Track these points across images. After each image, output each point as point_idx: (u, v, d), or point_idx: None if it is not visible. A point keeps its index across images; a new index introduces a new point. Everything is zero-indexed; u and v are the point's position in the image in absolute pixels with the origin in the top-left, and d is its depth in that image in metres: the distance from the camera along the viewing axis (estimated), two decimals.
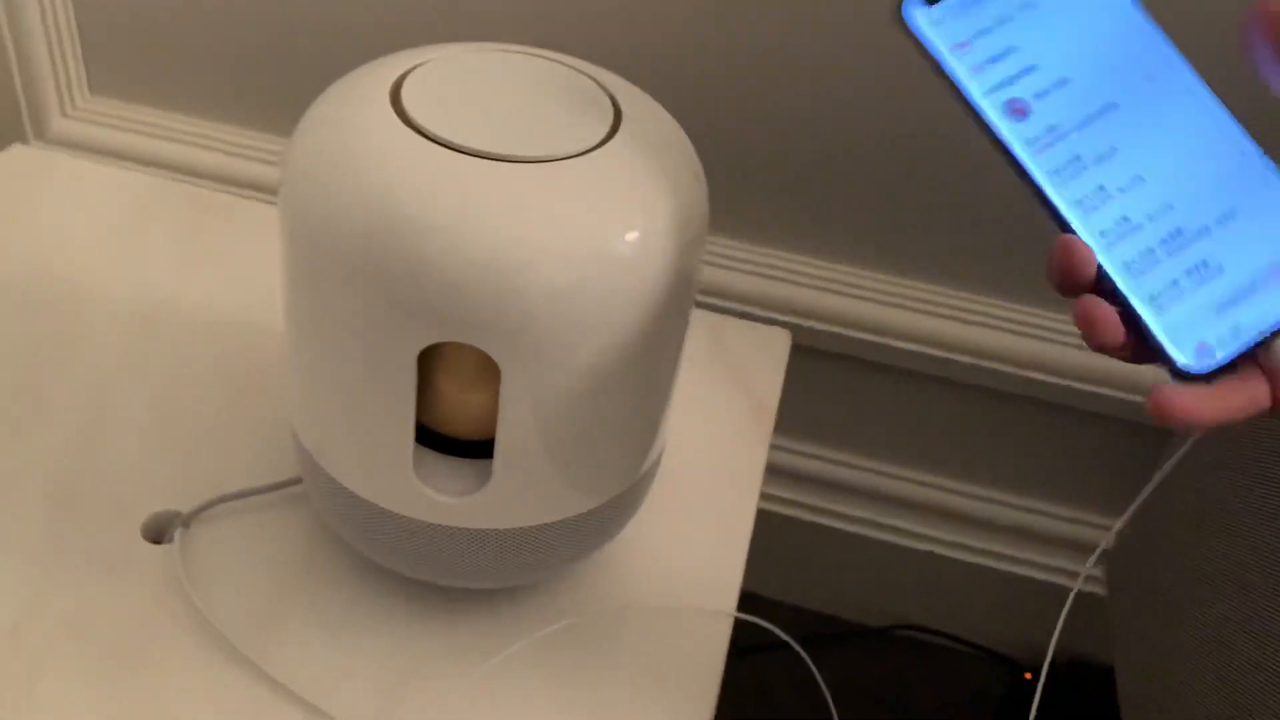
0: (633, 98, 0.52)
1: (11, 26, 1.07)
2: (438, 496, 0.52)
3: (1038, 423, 1.04)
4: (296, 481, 0.63)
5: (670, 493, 0.66)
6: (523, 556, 0.54)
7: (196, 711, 0.52)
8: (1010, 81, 0.37)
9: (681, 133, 0.52)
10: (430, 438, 0.53)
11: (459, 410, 0.52)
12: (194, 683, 0.53)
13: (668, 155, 0.50)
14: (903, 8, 0.37)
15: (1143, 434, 1.01)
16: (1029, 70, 0.37)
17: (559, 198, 0.46)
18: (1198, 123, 0.37)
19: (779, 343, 0.79)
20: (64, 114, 1.15)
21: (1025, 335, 0.99)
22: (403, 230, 0.45)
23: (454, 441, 0.53)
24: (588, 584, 0.61)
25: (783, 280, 1.01)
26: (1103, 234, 0.36)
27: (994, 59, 0.37)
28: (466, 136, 0.46)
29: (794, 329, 1.01)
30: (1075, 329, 0.87)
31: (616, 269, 0.46)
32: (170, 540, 0.59)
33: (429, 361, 0.50)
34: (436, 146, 0.46)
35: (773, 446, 1.13)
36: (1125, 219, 0.36)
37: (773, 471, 1.12)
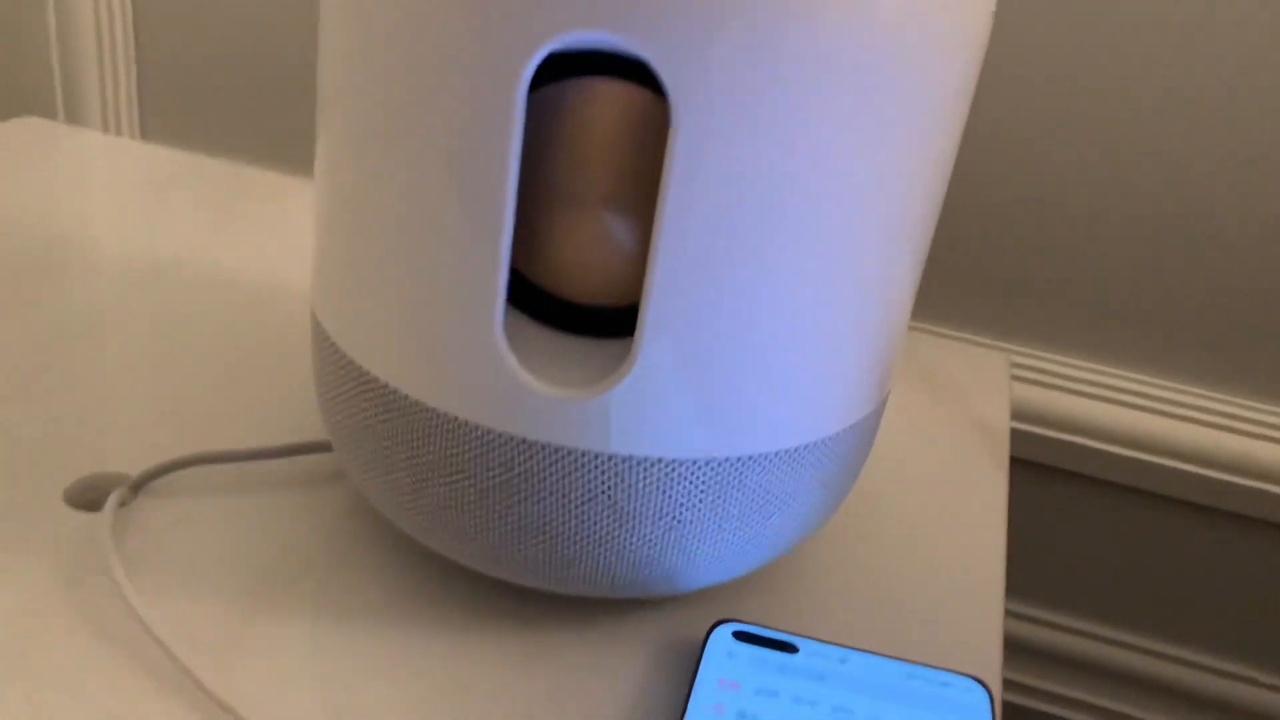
0: None
1: (62, 58, 0.95)
2: (541, 384, 0.30)
3: None
4: (303, 449, 0.41)
5: (887, 521, 0.44)
6: (669, 515, 0.31)
7: None
8: None
9: None
10: (531, 302, 0.32)
11: (587, 245, 0.31)
12: (100, 706, 0.30)
13: None
14: (716, 626, 0.35)
15: None
16: None
17: None
18: None
19: (997, 367, 0.57)
20: None
21: None
22: None
23: (568, 310, 0.32)
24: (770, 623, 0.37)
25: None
26: None
27: (748, 715, 0.31)
28: None
29: (1024, 439, 0.78)
30: None
31: None
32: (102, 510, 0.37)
33: (538, 157, 0.30)
34: None
35: (1018, 616, 0.86)
36: None
37: (1015, 649, 0.85)
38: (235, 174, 0.68)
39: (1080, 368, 0.78)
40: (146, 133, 0.99)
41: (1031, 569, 0.84)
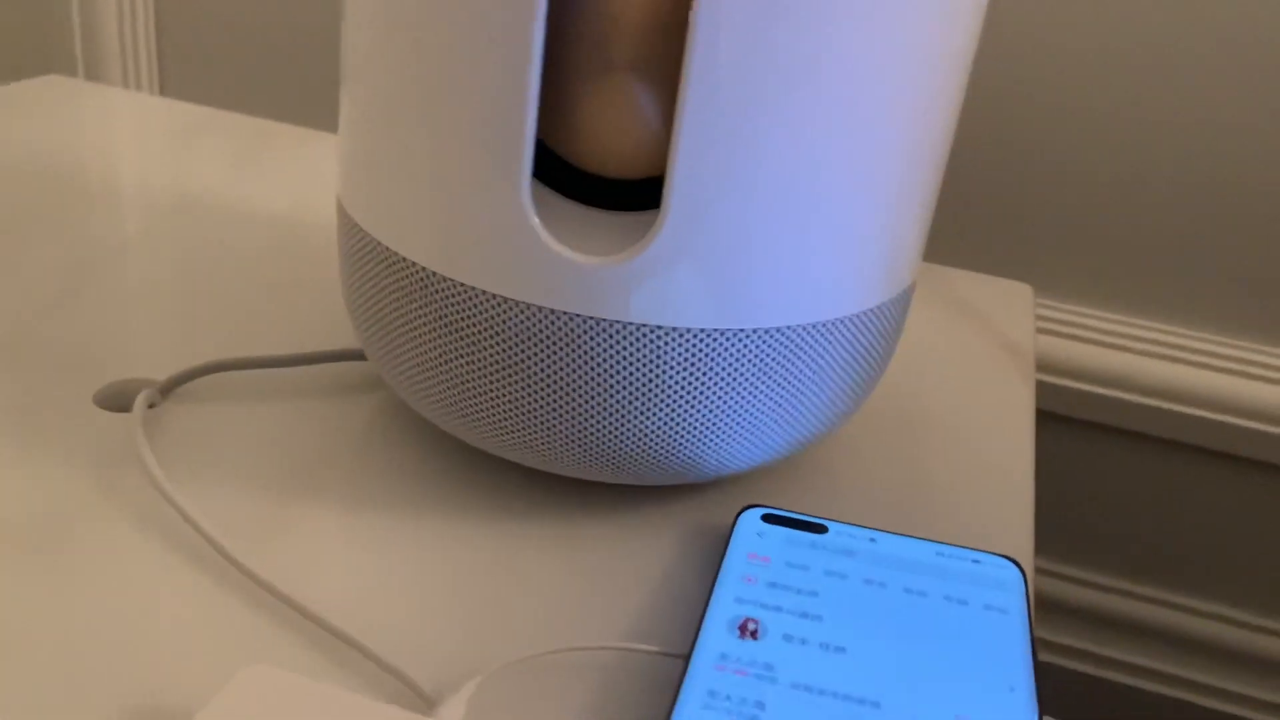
0: None
1: (83, 18, 0.96)
2: (569, 253, 0.30)
3: None
4: (331, 357, 0.41)
5: (916, 420, 0.44)
6: (698, 387, 0.31)
7: (134, 610, 0.29)
8: (774, 608, 0.30)
9: None
10: (557, 176, 0.32)
11: (612, 115, 0.31)
12: (135, 587, 0.31)
13: None
14: (745, 510, 0.35)
15: None
16: (806, 615, 0.30)
17: None
18: None
19: (1021, 294, 0.57)
20: None
21: None
22: None
23: (595, 184, 0.32)
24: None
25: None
26: None
27: (778, 585, 0.31)
28: None
29: (1053, 391, 0.78)
30: None
31: None
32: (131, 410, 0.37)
33: (564, 25, 0.30)
34: None
35: (1039, 571, 0.85)
36: None
37: (1039, 606, 0.84)
38: (256, 125, 0.68)
39: (1102, 318, 0.78)
40: (165, 92, 1.00)
41: (1058, 524, 0.84)
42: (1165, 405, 0.76)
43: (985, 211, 0.77)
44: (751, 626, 0.29)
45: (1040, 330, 0.78)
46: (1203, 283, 0.75)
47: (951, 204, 0.78)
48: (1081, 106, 0.73)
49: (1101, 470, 0.81)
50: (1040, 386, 0.78)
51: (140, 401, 0.37)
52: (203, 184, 0.58)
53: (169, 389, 0.39)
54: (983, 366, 0.49)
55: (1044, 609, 0.86)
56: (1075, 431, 0.80)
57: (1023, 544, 0.37)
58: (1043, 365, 0.78)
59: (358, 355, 0.42)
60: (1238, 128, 0.70)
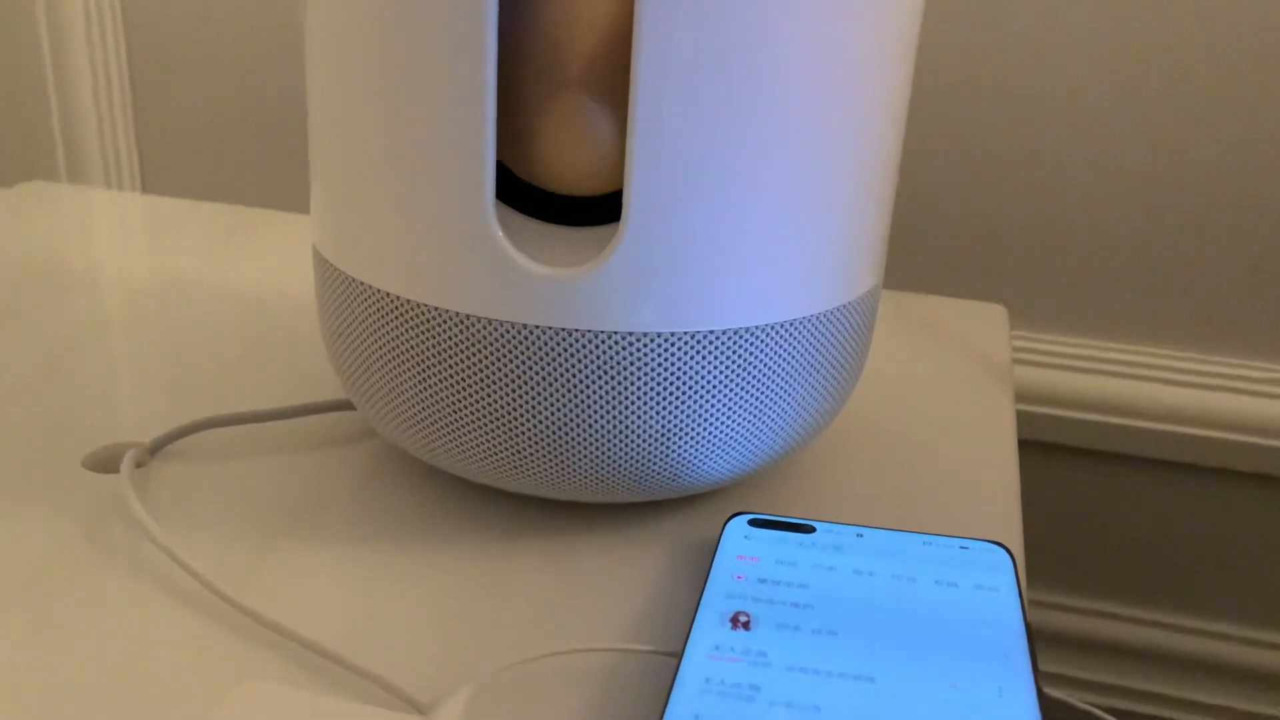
0: None
1: (63, 126, 0.98)
2: (536, 266, 0.31)
3: None
4: (315, 409, 0.42)
5: (896, 428, 0.44)
6: (670, 390, 0.32)
7: (128, 652, 0.29)
8: (765, 601, 0.30)
9: None
10: (519, 197, 0.33)
11: (572, 133, 0.32)
12: (127, 631, 0.31)
13: None
14: (732, 517, 0.35)
15: None
16: (797, 605, 0.30)
17: None
18: None
19: (995, 316, 0.58)
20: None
21: None
22: None
23: (557, 202, 0.33)
24: None
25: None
26: None
27: (768, 580, 0.32)
28: None
29: (1033, 419, 0.78)
30: None
31: None
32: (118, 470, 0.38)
33: (518, 46, 0.31)
34: None
35: (1045, 605, 0.85)
36: None
37: (1047, 640, 0.84)
38: (232, 212, 0.70)
39: (1069, 344, 0.79)
40: (149, 189, 1.02)
41: (1044, 552, 0.83)
42: (1145, 424, 0.77)
43: (959, 240, 0.79)
44: (743, 619, 0.30)
45: (1017, 360, 0.79)
46: (1173, 302, 0.76)
47: (925, 234, 0.79)
48: (1051, 129, 0.75)
49: (1084, 495, 0.81)
50: (1020, 415, 0.79)
51: (128, 460, 0.37)
52: (182, 269, 0.59)
53: (156, 448, 0.39)
54: (961, 380, 0.49)
55: (1056, 644, 0.85)
56: (1056, 458, 0.81)
57: (1013, 535, 0.38)
58: (1021, 394, 0.79)
59: (340, 406, 0.42)
60: (1202, 149, 0.72)
